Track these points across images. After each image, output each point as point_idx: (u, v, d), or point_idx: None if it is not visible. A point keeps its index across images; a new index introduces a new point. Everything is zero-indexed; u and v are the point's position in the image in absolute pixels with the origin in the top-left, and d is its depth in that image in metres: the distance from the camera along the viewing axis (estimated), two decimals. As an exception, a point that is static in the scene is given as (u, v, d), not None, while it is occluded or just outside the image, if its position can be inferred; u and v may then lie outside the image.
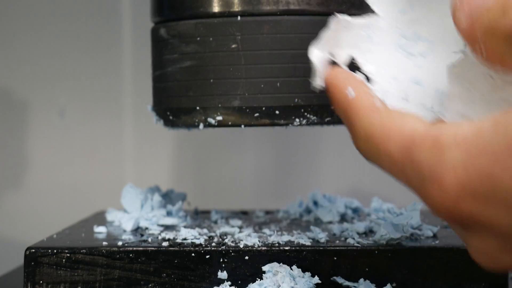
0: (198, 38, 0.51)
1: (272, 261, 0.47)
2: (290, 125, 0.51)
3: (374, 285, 0.46)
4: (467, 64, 0.34)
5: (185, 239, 0.50)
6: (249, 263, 0.47)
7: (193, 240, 0.49)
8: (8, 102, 0.84)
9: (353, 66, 0.39)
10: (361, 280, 0.46)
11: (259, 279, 0.46)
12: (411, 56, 0.39)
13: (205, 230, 0.53)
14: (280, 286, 0.45)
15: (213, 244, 0.48)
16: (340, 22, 0.39)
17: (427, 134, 0.32)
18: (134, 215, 0.56)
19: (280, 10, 0.50)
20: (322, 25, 0.40)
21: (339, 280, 0.46)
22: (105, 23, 0.83)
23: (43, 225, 0.79)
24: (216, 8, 0.51)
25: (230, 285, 0.47)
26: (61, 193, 0.84)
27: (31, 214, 0.84)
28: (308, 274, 0.46)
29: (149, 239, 0.50)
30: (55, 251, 0.47)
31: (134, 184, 0.60)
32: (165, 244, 0.48)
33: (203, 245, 0.48)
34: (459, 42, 0.35)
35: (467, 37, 0.33)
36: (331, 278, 0.46)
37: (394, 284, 0.46)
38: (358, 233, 0.51)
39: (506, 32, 0.31)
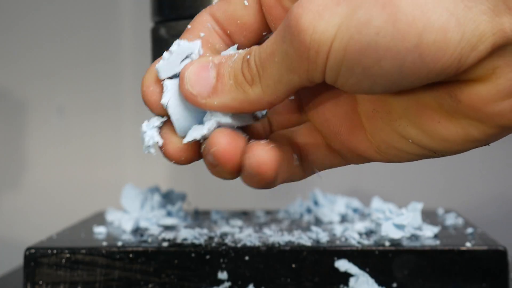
0: (198, 38, 0.51)
1: (272, 261, 0.47)
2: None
3: (373, 280, 0.46)
4: None
5: (185, 239, 0.50)
6: (249, 263, 0.47)
7: (193, 241, 0.49)
8: (7, 102, 0.84)
9: None
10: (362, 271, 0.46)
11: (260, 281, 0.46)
12: None
13: (205, 230, 0.53)
14: None
15: (213, 244, 0.48)
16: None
17: None
18: (134, 215, 0.56)
19: (280, 10, 0.50)
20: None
21: (342, 266, 0.46)
22: (105, 23, 0.83)
23: (43, 225, 0.79)
24: (216, 8, 0.51)
25: (230, 285, 0.47)
26: (61, 193, 0.84)
27: (31, 214, 0.84)
28: None
29: (149, 240, 0.50)
30: (55, 251, 0.47)
31: (134, 184, 0.60)
32: (165, 244, 0.48)
33: (203, 246, 0.48)
34: None
35: None
36: (335, 264, 0.46)
37: (394, 284, 0.46)
38: (358, 233, 0.51)
39: None
